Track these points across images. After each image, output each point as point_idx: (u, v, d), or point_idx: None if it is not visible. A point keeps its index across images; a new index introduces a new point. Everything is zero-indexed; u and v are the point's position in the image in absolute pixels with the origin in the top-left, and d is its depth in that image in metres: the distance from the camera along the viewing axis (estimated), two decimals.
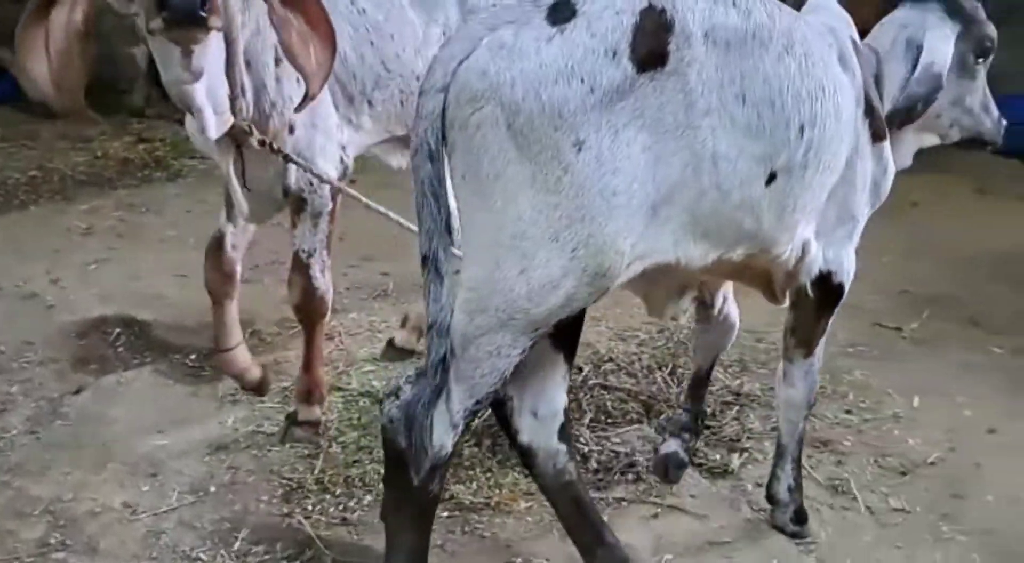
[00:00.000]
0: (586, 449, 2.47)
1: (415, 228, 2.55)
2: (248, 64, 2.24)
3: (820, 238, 1.97)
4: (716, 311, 2.32)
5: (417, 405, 1.65)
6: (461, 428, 1.68)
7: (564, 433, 1.89)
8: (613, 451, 2.48)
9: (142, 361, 2.98)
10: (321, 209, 2.40)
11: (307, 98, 2.10)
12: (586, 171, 1.50)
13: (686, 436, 2.39)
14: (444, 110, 1.54)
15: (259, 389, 2.72)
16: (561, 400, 1.88)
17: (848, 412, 2.77)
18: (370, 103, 2.47)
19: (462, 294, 1.60)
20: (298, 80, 2.22)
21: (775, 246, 1.84)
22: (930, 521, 2.26)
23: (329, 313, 2.56)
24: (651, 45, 1.51)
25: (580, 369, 2.94)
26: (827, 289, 2.02)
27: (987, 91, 2.23)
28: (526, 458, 1.90)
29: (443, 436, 1.66)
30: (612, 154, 1.50)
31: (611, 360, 3.04)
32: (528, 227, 1.52)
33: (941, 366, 3.13)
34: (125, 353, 3.02)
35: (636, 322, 3.41)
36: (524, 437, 1.88)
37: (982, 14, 2.14)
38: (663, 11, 1.53)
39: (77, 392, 2.77)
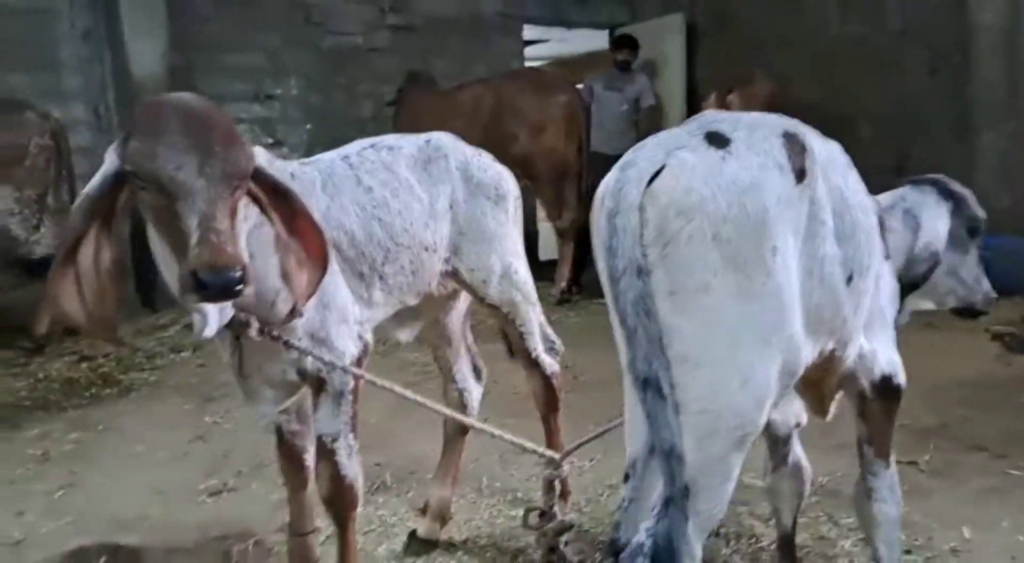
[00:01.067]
0: None
1: (446, 411, 2.50)
2: (252, 256, 2.17)
3: (872, 341, 2.03)
4: (789, 450, 2.25)
5: (674, 539, 1.50)
6: None
7: None
8: None
9: None
10: (343, 388, 2.26)
11: (292, 313, 2.06)
12: (781, 274, 1.57)
13: None
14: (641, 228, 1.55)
15: None
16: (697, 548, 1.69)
17: (908, 552, 2.67)
18: (381, 277, 2.42)
19: (687, 421, 1.53)
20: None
21: (850, 344, 1.91)
22: None
23: (360, 503, 2.35)
24: (799, 162, 1.64)
25: None
26: (890, 391, 2.06)
27: (979, 265, 2.39)
28: None
29: None
30: (789, 258, 1.60)
31: None
32: (742, 336, 1.54)
33: (968, 494, 3.11)
34: None
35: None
36: None
37: (971, 198, 2.33)
38: (796, 135, 1.70)
39: None
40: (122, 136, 1.84)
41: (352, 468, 2.28)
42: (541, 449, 2.71)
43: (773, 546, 2.70)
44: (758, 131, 1.64)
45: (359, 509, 2.36)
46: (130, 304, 6.14)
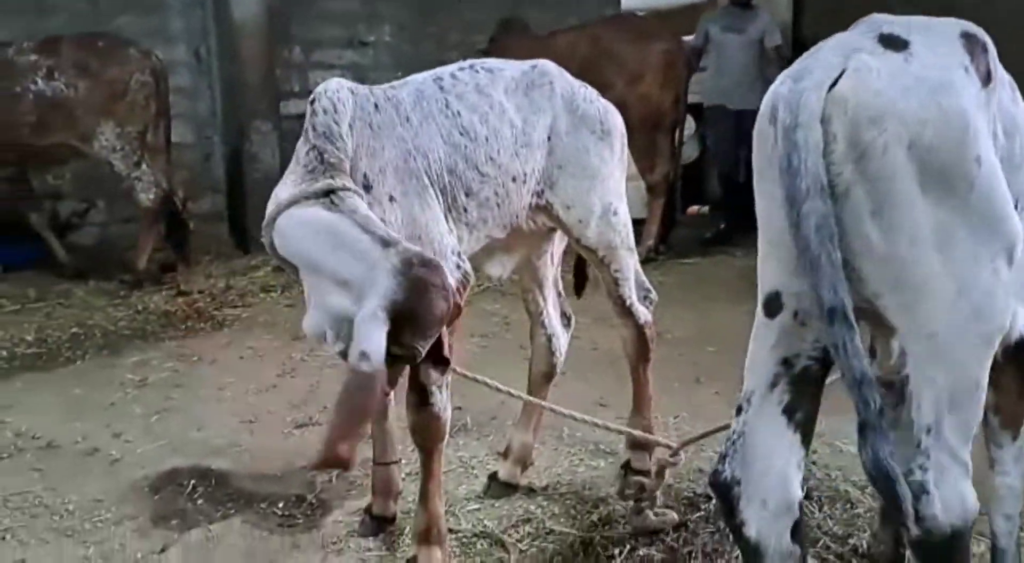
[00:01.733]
0: None
1: (516, 392, 2.45)
2: None
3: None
4: None
5: (881, 462, 1.43)
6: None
7: (799, 532, 1.63)
8: None
9: (226, 513, 2.71)
10: None
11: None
12: (987, 182, 1.45)
13: None
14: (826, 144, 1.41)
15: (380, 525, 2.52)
16: (796, 491, 1.64)
17: None
18: (464, 210, 2.36)
19: (918, 346, 1.47)
20: (392, 198, 2.18)
21: None
22: None
23: (447, 436, 2.33)
24: (984, 63, 1.51)
25: (709, 497, 2.69)
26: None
27: None
28: (751, 558, 1.63)
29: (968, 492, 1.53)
30: (996, 167, 1.47)
31: None
32: (951, 248, 1.43)
33: None
34: (206, 506, 2.76)
35: None
36: (751, 530, 1.61)
37: None
38: (975, 35, 1.55)
39: (163, 551, 2.49)
40: None
41: (441, 399, 2.26)
42: (654, 439, 2.64)
43: (871, 514, 2.59)
44: (934, 32, 1.51)
45: (444, 443, 2.34)
46: (224, 246, 6.32)
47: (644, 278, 2.82)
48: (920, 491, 1.50)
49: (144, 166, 5.45)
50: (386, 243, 1.96)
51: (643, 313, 2.78)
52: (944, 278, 1.45)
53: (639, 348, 2.81)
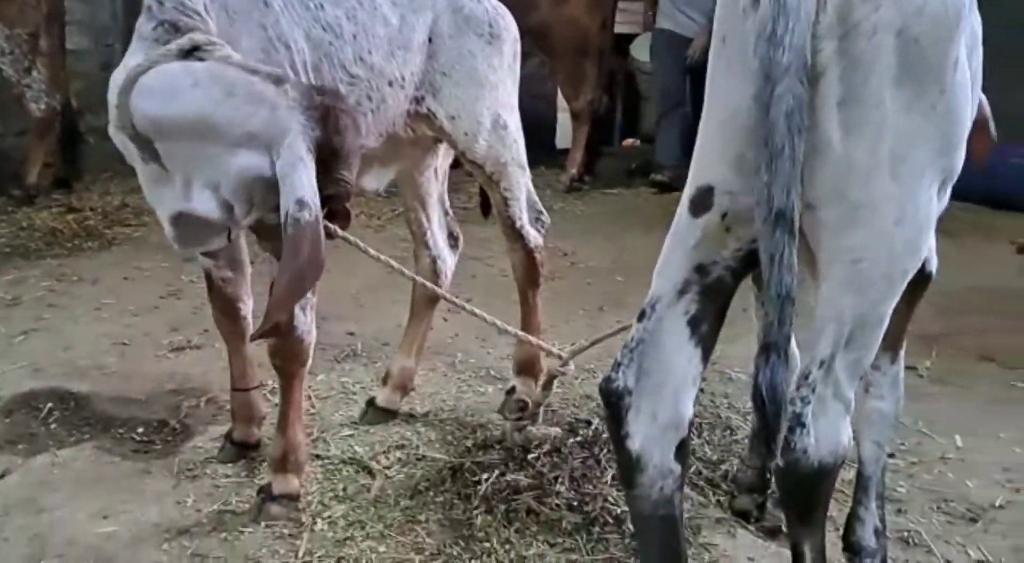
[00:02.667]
0: (619, 510, 2.13)
1: (408, 272, 2.30)
2: None
3: None
4: None
5: (778, 387, 1.30)
6: None
7: (683, 453, 1.52)
8: None
9: (80, 438, 2.53)
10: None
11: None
12: (956, 92, 1.32)
13: (754, 495, 2.15)
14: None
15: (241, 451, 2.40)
16: (689, 408, 1.52)
17: (891, 455, 2.50)
18: None
19: (839, 271, 1.35)
20: None
21: None
22: None
23: (310, 360, 2.18)
24: None
25: (588, 422, 2.63)
26: (919, 275, 1.62)
27: None
28: (629, 472, 1.52)
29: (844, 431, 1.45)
30: (965, 77, 1.35)
31: None
32: (904, 167, 1.29)
33: (969, 404, 2.93)
34: (59, 430, 2.57)
35: None
36: (634, 443, 1.50)
37: None
38: None
39: (2, 476, 2.31)
40: None
41: (305, 321, 2.10)
42: (545, 345, 2.54)
43: (747, 440, 2.54)
44: None
45: (307, 368, 2.19)
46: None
47: (536, 199, 2.68)
48: (796, 423, 1.41)
49: (35, 73, 5.07)
50: (277, 80, 1.78)
51: (533, 236, 2.64)
52: (889, 202, 1.32)
53: (528, 272, 2.68)
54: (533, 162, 7.40)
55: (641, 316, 1.50)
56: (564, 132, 7.56)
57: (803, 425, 1.41)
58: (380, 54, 2.20)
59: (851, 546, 1.87)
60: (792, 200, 1.25)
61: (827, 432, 1.42)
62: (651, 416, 1.49)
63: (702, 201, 1.40)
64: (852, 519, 1.88)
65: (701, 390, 2.95)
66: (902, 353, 1.87)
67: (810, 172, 1.28)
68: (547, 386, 2.47)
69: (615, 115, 8.55)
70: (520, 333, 2.44)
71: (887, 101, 1.26)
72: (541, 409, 2.50)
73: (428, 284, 2.43)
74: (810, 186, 1.29)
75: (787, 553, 1.99)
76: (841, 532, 1.93)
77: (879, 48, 1.24)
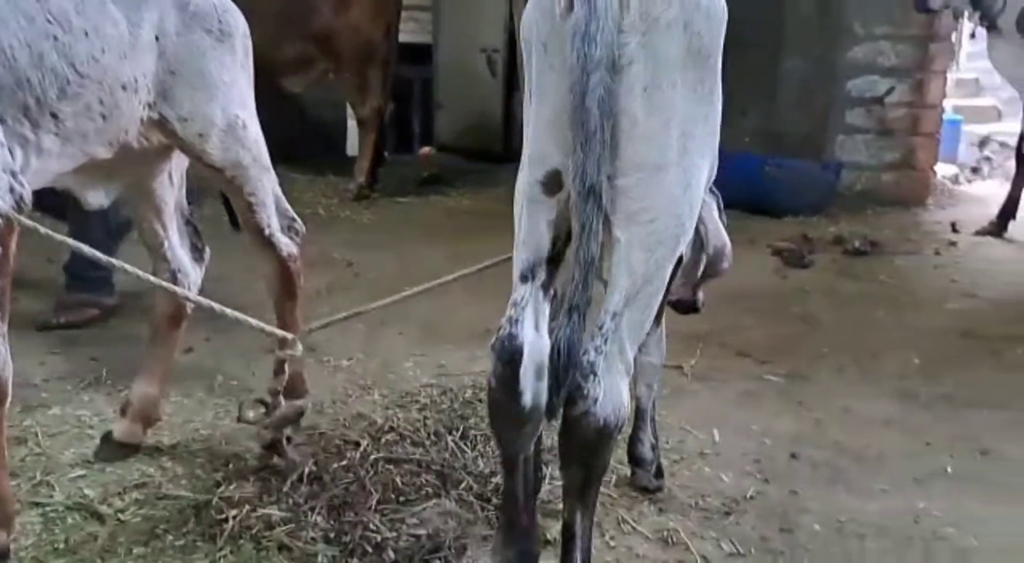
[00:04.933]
0: (379, 537, 2.00)
1: (145, 275, 2.07)
2: None
3: None
4: None
5: (573, 347, 1.51)
6: None
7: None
8: (412, 535, 2.03)
9: None
10: None
11: None
12: (719, 81, 1.58)
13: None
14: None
15: None
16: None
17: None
18: (55, 116, 1.91)
19: (636, 231, 1.52)
20: None
21: None
22: (766, 562, 2.06)
23: (8, 398, 1.88)
24: None
25: (357, 444, 2.49)
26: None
27: None
28: (521, 424, 1.65)
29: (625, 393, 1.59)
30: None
31: (392, 430, 2.61)
32: (689, 141, 1.52)
33: (726, 398, 3.07)
34: None
35: (413, 386, 3.03)
36: (527, 397, 1.60)
37: None
38: None
39: None
40: None
41: None
42: (272, 328, 2.35)
43: None
44: None
45: (5, 407, 1.88)
46: None
47: (287, 205, 2.50)
48: (590, 371, 1.54)
49: None
50: None
51: (285, 243, 2.46)
52: (679, 170, 1.53)
53: (283, 284, 2.50)
54: (322, 170, 7.24)
55: (524, 279, 1.63)
56: (355, 138, 7.39)
57: (595, 374, 1.55)
58: (113, 55, 1.98)
59: (634, 459, 2.35)
60: (602, 177, 1.46)
61: (611, 389, 1.57)
62: (536, 370, 1.60)
63: (553, 181, 1.57)
64: (633, 439, 2.35)
65: (479, 399, 2.91)
66: (663, 318, 2.28)
67: (615, 148, 1.48)
68: (278, 372, 2.30)
69: (411, 125, 8.52)
70: (241, 316, 2.20)
71: (679, 85, 1.49)
72: (280, 399, 2.29)
73: (170, 286, 2.21)
74: (616, 160, 1.49)
75: None
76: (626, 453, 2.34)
77: (672, 39, 1.47)
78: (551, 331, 1.58)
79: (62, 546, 1.98)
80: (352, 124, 7.07)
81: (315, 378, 2.86)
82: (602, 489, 2.28)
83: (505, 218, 5.92)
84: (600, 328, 1.55)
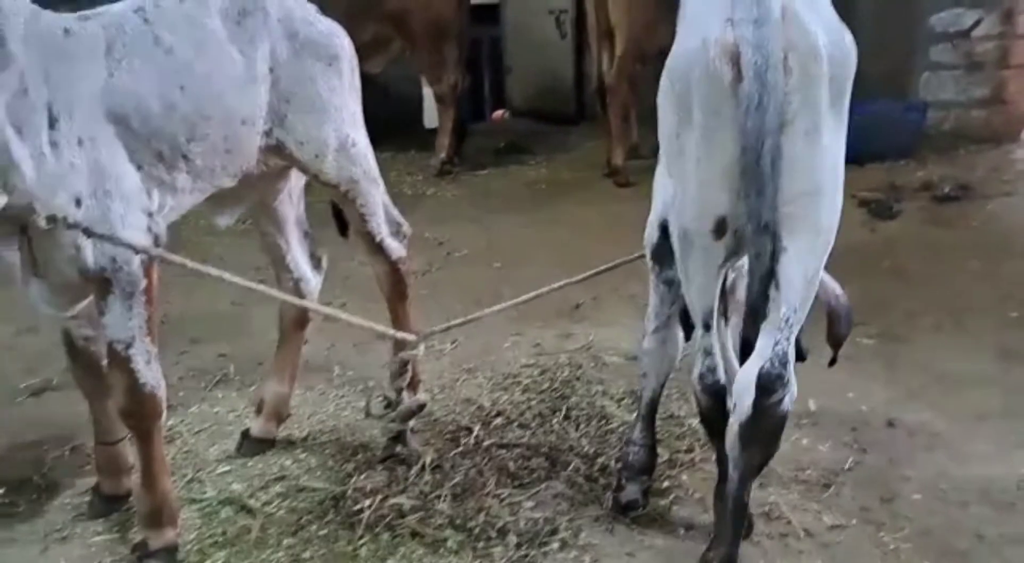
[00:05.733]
0: (501, 522, 2.19)
1: (257, 286, 2.28)
2: (18, 131, 1.84)
3: None
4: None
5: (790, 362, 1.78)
6: None
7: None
8: (531, 518, 2.21)
9: None
10: (132, 289, 1.98)
11: None
12: (847, 104, 1.77)
13: (644, 478, 2.27)
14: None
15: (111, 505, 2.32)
16: None
17: None
18: (186, 158, 2.10)
19: (806, 241, 1.70)
20: (80, 142, 1.90)
21: None
22: (869, 533, 2.16)
23: (165, 412, 2.12)
24: None
25: (469, 430, 2.67)
26: None
27: None
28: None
29: None
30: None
31: (499, 414, 2.78)
32: (837, 165, 1.74)
33: (819, 364, 3.06)
34: None
35: (514, 367, 3.19)
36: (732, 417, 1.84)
37: None
38: None
39: None
40: None
41: (151, 375, 2.04)
42: (394, 331, 2.55)
43: (623, 428, 2.64)
44: None
45: (163, 419, 2.13)
46: None
47: (395, 211, 2.66)
48: (785, 360, 1.77)
49: None
50: None
51: (396, 249, 2.63)
52: (830, 189, 1.72)
53: (394, 286, 2.67)
54: (402, 146, 7.37)
55: (707, 327, 1.87)
56: (431, 110, 7.51)
57: (788, 362, 1.78)
58: (233, 93, 2.15)
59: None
60: (773, 214, 1.66)
61: (793, 378, 1.81)
62: (737, 393, 1.82)
63: (720, 228, 1.75)
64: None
65: (577, 378, 3.07)
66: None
67: (780, 184, 1.66)
68: (400, 372, 2.50)
69: (483, 88, 8.58)
70: (363, 321, 2.41)
71: (828, 123, 1.68)
72: (405, 395, 2.50)
73: (294, 300, 2.41)
74: (780, 193, 1.66)
75: (661, 544, 2.12)
76: None
77: (824, 89, 1.65)
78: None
79: (220, 539, 2.22)
80: (428, 95, 7.20)
81: (423, 364, 3.03)
82: (702, 465, 2.43)
83: (580, 186, 6.07)
84: (786, 322, 1.75)
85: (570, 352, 3.29)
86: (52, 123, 1.89)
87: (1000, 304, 3.52)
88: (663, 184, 2.01)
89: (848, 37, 1.71)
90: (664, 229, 2.01)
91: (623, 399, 2.89)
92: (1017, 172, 5.39)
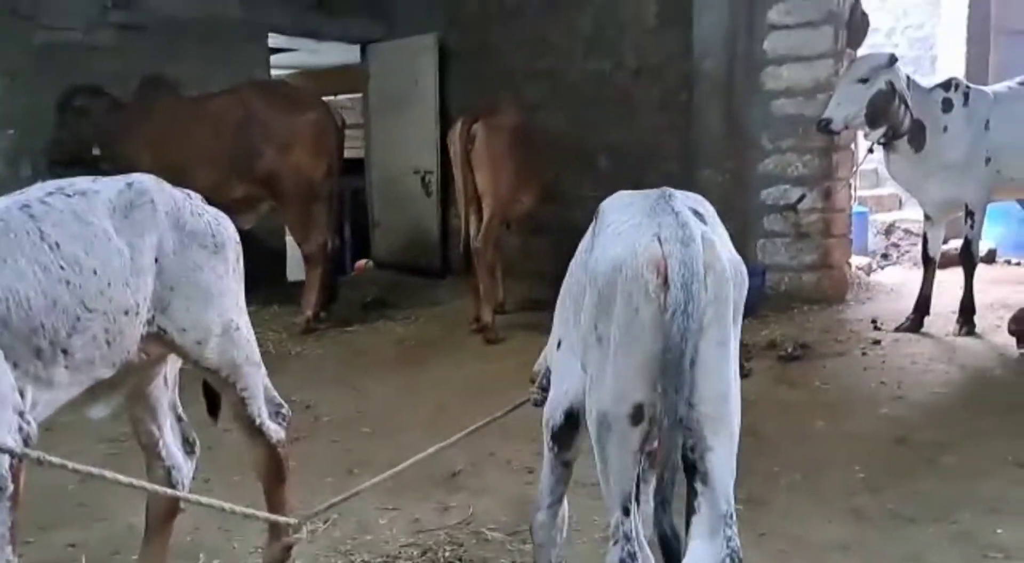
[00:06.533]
0: None
1: (124, 479, 2.15)
2: None
3: None
4: None
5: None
6: None
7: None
8: None
9: None
10: None
11: None
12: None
13: None
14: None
15: None
16: None
17: None
18: (66, 352, 2.03)
19: (725, 442, 1.87)
20: None
21: None
22: None
23: None
24: None
25: None
26: None
27: None
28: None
29: None
30: None
31: None
32: (734, 363, 1.92)
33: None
34: None
35: (393, 547, 3.10)
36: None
37: None
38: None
39: None
40: None
41: None
42: (275, 516, 2.45)
43: None
44: (702, 204, 2.03)
45: None
46: None
47: (275, 393, 2.63)
48: (739, 553, 1.86)
49: None
50: None
51: (275, 431, 2.58)
52: (736, 390, 1.90)
53: (273, 469, 2.60)
54: (265, 301, 7.27)
55: (627, 512, 1.94)
56: (294, 262, 7.52)
57: (741, 555, 1.88)
58: (118, 285, 2.13)
59: None
60: (688, 411, 1.83)
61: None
62: None
63: (638, 414, 1.90)
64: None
65: (459, 558, 3.02)
66: None
67: (695, 385, 1.84)
68: (282, 560, 2.47)
69: (344, 239, 8.68)
70: (243, 509, 2.32)
71: (731, 330, 1.89)
72: None
73: (165, 490, 2.30)
74: (698, 394, 1.85)
75: None
76: None
77: (730, 306, 1.87)
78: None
79: None
80: (292, 247, 7.23)
81: (295, 548, 2.91)
82: None
83: (449, 343, 6.15)
84: (729, 517, 1.87)
85: (449, 528, 3.25)
86: None
87: (847, 463, 3.76)
88: (570, 370, 2.12)
89: (743, 268, 1.96)
90: (569, 415, 2.12)
91: None
92: (848, 332, 5.91)
